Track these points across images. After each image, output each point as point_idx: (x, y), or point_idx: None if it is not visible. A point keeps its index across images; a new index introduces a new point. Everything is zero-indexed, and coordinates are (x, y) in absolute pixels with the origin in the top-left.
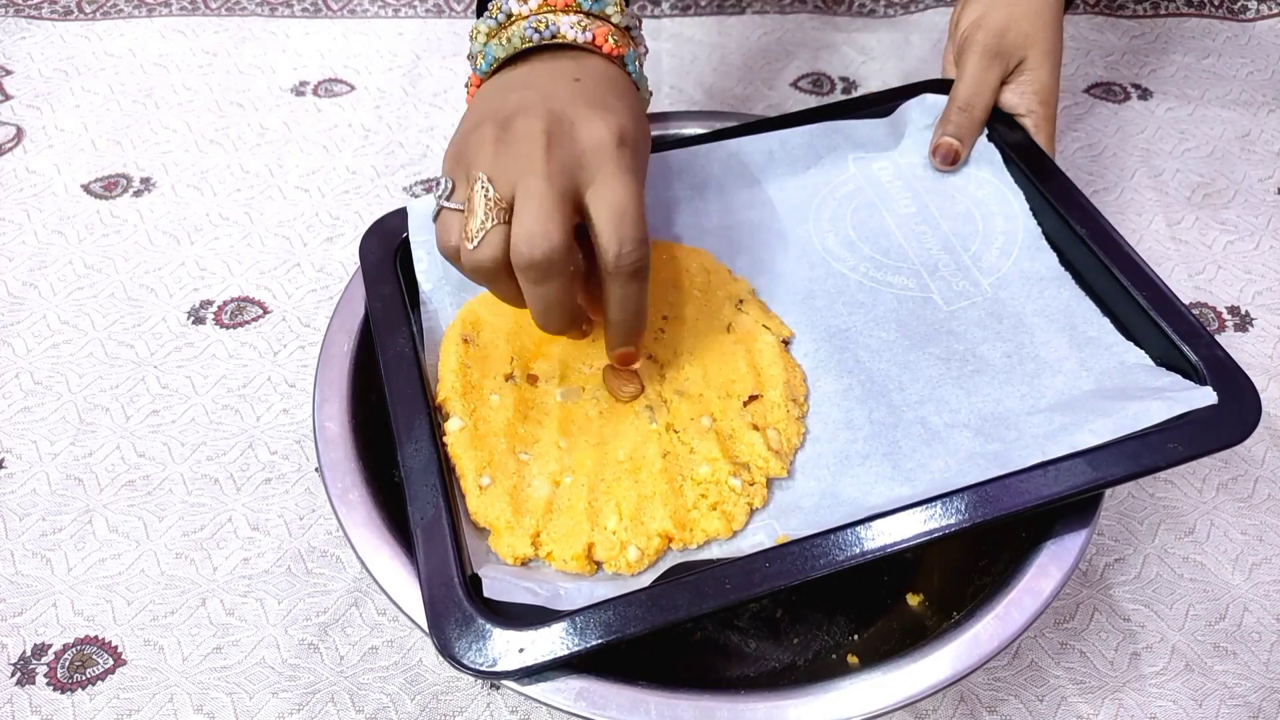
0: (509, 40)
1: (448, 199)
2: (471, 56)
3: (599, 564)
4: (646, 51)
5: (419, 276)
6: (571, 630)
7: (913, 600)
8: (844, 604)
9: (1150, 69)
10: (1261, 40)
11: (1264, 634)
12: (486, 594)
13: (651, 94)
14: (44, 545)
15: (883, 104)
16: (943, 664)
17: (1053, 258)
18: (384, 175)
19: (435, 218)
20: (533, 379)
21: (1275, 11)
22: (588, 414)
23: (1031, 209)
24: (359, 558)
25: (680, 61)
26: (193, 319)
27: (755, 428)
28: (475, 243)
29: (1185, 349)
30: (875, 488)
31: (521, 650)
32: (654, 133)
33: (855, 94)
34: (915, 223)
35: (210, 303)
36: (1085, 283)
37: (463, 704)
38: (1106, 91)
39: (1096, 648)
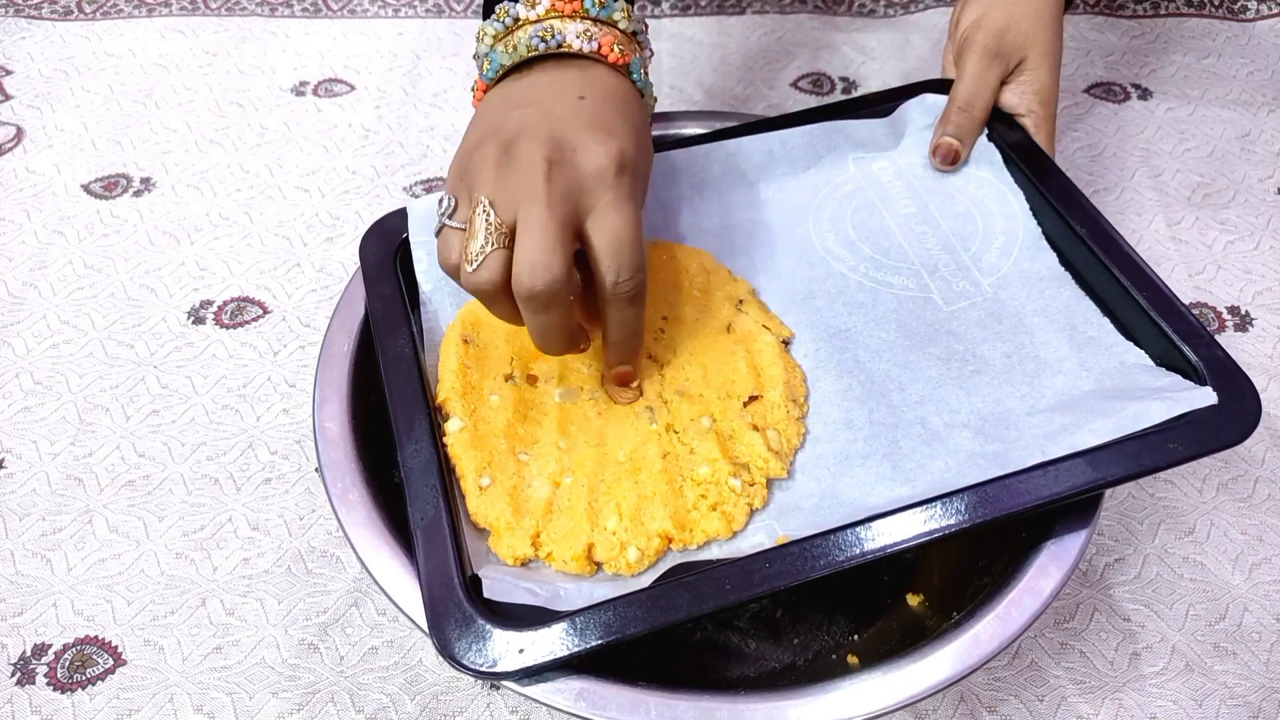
0: (514, 48)
1: (450, 217)
2: (478, 59)
3: (599, 564)
4: (652, 55)
5: (419, 277)
6: (571, 631)
7: (913, 600)
8: (844, 604)
9: (1150, 69)
10: (1261, 40)
11: (1264, 634)
12: (486, 594)
13: (656, 99)
14: (44, 545)
15: (883, 104)
16: (943, 664)
17: (1053, 258)
18: (384, 175)
19: (437, 233)
20: (532, 379)
21: (1275, 11)
22: (587, 414)
23: (1031, 209)
24: (359, 558)
25: (680, 61)
26: (193, 319)
27: (755, 428)
28: (475, 265)
29: (1185, 349)
30: (875, 488)
31: (521, 651)
32: (655, 133)
33: (855, 94)
34: (915, 223)
35: (210, 303)
36: (1085, 283)
37: (463, 704)
38: (1106, 91)
39: (1096, 648)
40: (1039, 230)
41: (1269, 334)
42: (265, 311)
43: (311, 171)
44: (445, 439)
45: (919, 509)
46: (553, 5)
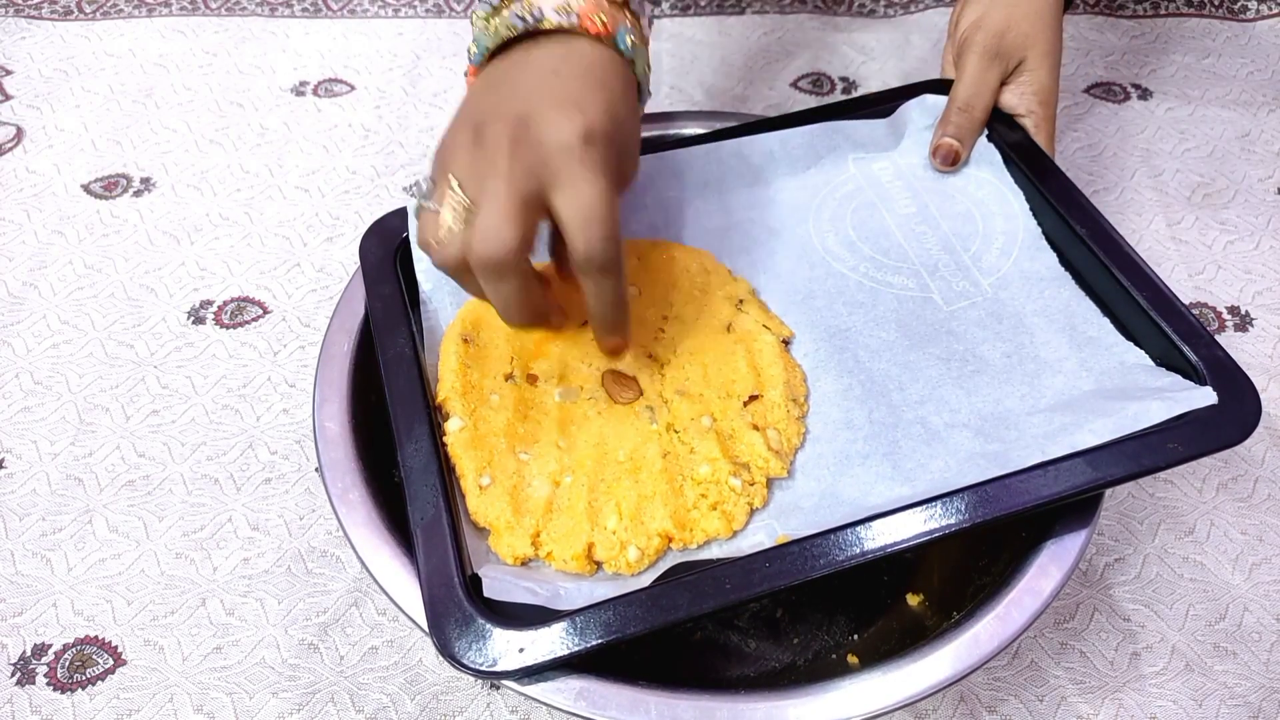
0: (496, 30)
1: (426, 198)
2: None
3: (599, 564)
4: (651, 23)
5: (419, 276)
6: (571, 630)
7: (913, 600)
8: (844, 604)
9: (1150, 69)
10: (1261, 40)
11: (1264, 634)
12: (486, 594)
13: (650, 67)
14: (44, 545)
15: (883, 104)
16: (943, 664)
17: (1053, 258)
18: (384, 175)
19: (416, 216)
20: (532, 379)
21: (1275, 11)
22: (587, 414)
23: (1031, 209)
24: (359, 558)
25: (680, 61)
26: (193, 319)
27: (755, 428)
28: (442, 242)
29: (1185, 349)
30: (875, 488)
31: (521, 650)
32: (654, 133)
33: (855, 94)
34: (915, 223)
35: (210, 303)
36: (1085, 283)
37: (463, 704)
38: (1106, 91)
39: (1096, 648)
40: (1039, 230)
41: (1269, 334)
42: (265, 311)
43: (311, 171)
44: (445, 438)
45: (919, 509)
46: None
